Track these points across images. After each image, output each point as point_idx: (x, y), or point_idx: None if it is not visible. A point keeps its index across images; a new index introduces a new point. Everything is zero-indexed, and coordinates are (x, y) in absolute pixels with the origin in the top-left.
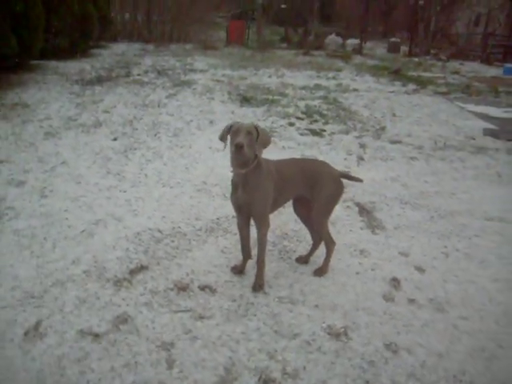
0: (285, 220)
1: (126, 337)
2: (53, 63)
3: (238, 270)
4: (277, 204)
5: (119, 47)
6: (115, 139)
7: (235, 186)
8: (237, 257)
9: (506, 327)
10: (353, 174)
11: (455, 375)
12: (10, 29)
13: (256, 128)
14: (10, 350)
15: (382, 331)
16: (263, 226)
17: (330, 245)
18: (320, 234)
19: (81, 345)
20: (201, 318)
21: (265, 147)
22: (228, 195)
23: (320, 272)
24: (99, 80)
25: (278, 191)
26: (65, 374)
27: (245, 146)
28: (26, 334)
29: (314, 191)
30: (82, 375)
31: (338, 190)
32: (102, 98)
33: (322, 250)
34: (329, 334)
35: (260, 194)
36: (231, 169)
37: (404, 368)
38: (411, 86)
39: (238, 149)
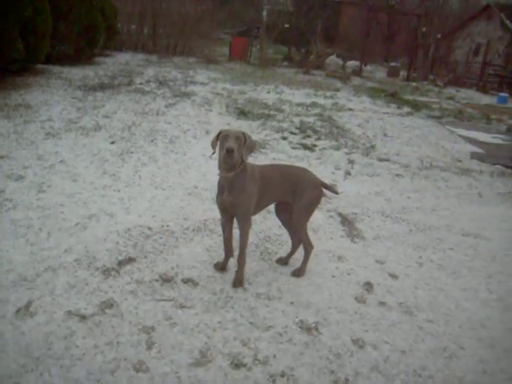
0: (269, 225)
1: (111, 319)
2: (57, 68)
3: (220, 267)
4: (259, 206)
5: (123, 57)
6: (113, 142)
7: (221, 188)
8: (220, 255)
9: (469, 331)
10: (336, 187)
11: (415, 370)
12: (18, 34)
13: (243, 134)
14: (1, 325)
15: (351, 328)
16: (245, 226)
17: (308, 248)
18: (299, 237)
19: (68, 324)
20: (182, 307)
21: (251, 152)
22: None
23: (298, 273)
24: (102, 87)
25: (261, 194)
26: (51, 348)
27: (235, 150)
28: (17, 311)
29: (295, 196)
30: (67, 350)
31: (318, 196)
32: (103, 103)
33: (302, 253)
34: (300, 327)
35: (244, 196)
36: (218, 172)
37: (368, 361)
38: (406, 109)
39: (228, 153)
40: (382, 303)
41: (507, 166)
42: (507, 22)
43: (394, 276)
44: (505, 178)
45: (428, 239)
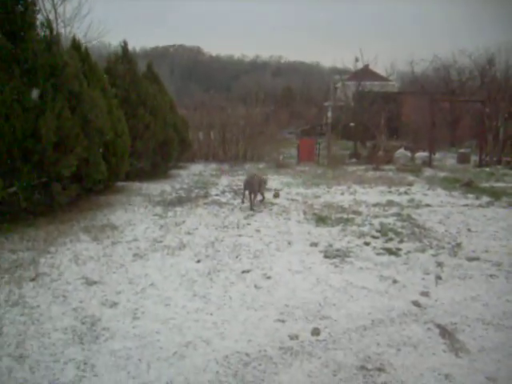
0: (367, 343)
1: None
2: (136, 184)
3: None
4: None
5: (196, 167)
6: (199, 261)
7: None
8: (322, 381)
9: None
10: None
11: None
12: (101, 156)
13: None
14: None
15: None
16: None
17: None
18: None
19: None
20: None
21: None
22: (311, 318)
23: None
24: (180, 201)
25: None
26: None
27: None
28: None
29: None
30: None
31: None
32: (183, 219)
33: None
34: None
35: None
36: None
37: None
38: (485, 199)
39: None
40: None
41: None
42: None
43: None
44: None
45: None
